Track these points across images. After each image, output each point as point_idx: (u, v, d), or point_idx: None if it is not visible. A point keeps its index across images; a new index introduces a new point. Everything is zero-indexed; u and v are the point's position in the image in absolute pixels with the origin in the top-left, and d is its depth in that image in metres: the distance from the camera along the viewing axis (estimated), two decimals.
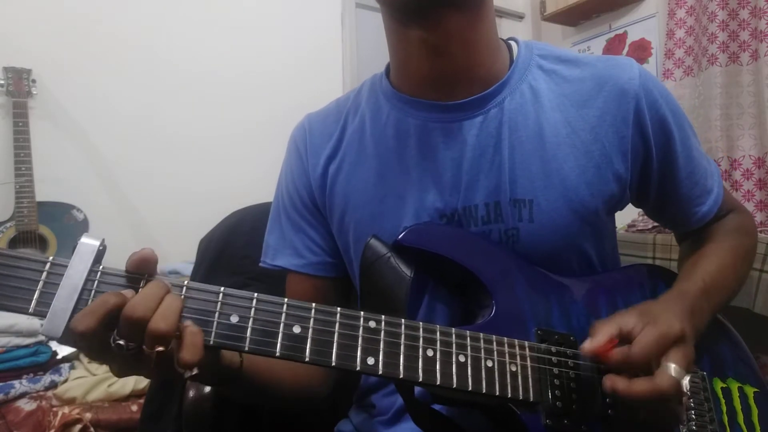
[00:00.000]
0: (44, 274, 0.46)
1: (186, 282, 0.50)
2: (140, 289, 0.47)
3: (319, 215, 0.76)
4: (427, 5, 0.61)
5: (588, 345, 0.56)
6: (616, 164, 0.67)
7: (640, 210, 0.80)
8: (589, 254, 0.71)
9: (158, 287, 0.47)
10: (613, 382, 0.54)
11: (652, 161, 0.70)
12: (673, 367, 0.53)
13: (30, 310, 0.45)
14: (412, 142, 0.69)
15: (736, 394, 0.69)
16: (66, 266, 0.47)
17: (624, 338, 0.56)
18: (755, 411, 0.68)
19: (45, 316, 0.45)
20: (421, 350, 0.53)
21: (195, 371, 0.46)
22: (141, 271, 0.49)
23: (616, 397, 0.54)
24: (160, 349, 0.46)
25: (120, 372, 0.49)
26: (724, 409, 0.66)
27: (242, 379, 0.60)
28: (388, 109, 0.72)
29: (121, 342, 0.45)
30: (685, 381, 0.53)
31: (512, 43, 0.74)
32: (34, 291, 0.46)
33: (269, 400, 0.73)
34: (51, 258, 0.47)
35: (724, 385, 0.68)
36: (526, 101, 0.68)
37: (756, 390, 0.70)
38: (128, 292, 0.47)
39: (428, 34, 0.63)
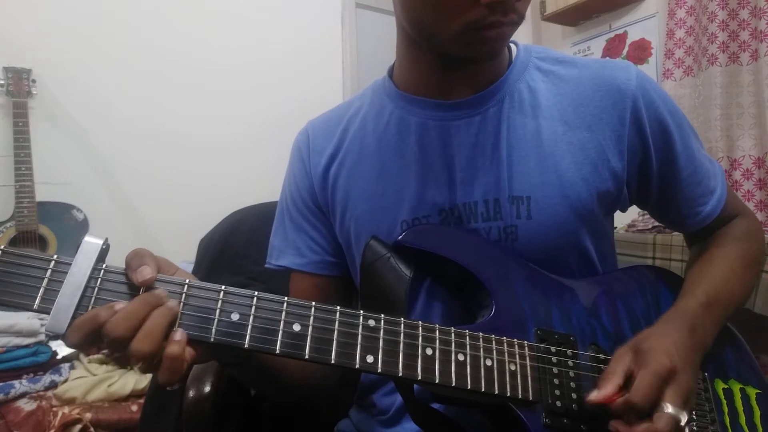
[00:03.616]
0: (49, 271, 0.47)
1: (187, 281, 0.50)
2: (127, 304, 0.47)
3: (321, 215, 0.77)
4: (484, 61, 0.65)
5: (594, 396, 0.56)
6: (613, 162, 0.68)
7: (640, 210, 0.80)
8: (587, 253, 0.71)
9: (144, 303, 0.47)
10: (617, 427, 0.55)
11: (651, 161, 0.70)
12: (669, 408, 0.54)
13: (34, 307, 0.46)
14: (412, 140, 0.70)
15: (738, 396, 0.68)
16: (70, 264, 0.47)
17: (626, 380, 0.56)
18: (757, 412, 0.68)
19: (49, 313, 0.46)
20: (420, 349, 0.54)
21: (176, 386, 0.47)
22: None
23: None
24: (142, 365, 0.47)
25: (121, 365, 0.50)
26: (726, 410, 0.66)
27: (253, 362, 0.60)
28: (391, 108, 0.73)
29: (107, 351, 0.47)
30: (683, 419, 0.54)
31: (511, 44, 0.74)
32: (39, 288, 0.46)
33: (277, 387, 0.73)
34: (55, 256, 0.48)
35: (726, 386, 0.68)
36: (524, 100, 0.69)
37: (758, 391, 0.70)
38: (119, 306, 0.47)
39: (452, 60, 0.66)
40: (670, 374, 0.56)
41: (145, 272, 0.48)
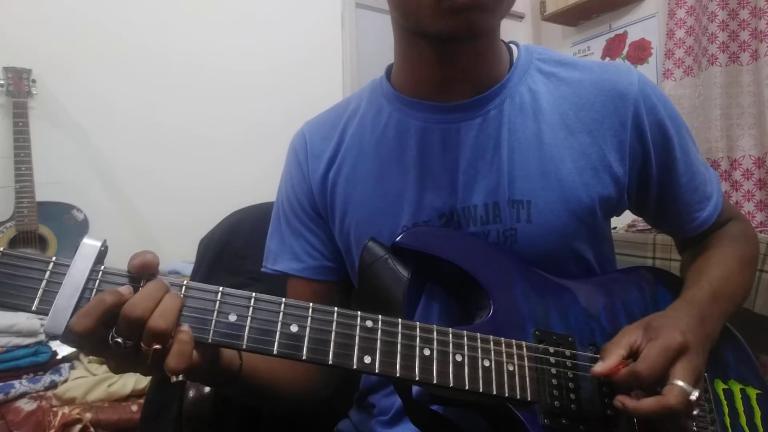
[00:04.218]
0: (47, 273, 0.47)
1: (185, 282, 0.51)
2: (140, 289, 0.48)
3: (320, 220, 0.77)
4: (467, 38, 0.61)
5: (599, 367, 0.55)
6: (614, 167, 0.67)
7: None
8: (586, 256, 0.71)
9: (157, 287, 0.49)
10: (623, 401, 0.54)
11: (651, 166, 0.70)
12: (680, 383, 0.53)
13: (33, 308, 0.46)
14: (412, 143, 0.70)
15: (738, 396, 0.68)
16: (68, 266, 0.48)
17: (631, 355, 0.56)
18: (758, 412, 0.68)
19: (47, 314, 0.46)
20: (417, 349, 0.54)
21: (181, 377, 0.47)
22: (142, 274, 0.50)
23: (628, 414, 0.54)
24: (157, 347, 0.47)
25: (117, 368, 0.50)
26: (726, 410, 0.66)
27: (242, 380, 0.60)
28: (390, 111, 0.72)
29: (119, 339, 0.47)
30: (694, 395, 0.53)
31: (513, 46, 0.74)
32: (37, 290, 0.47)
33: (269, 402, 0.73)
34: (54, 258, 0.48)
35: (726, 387, 0.68)
36: (525, 103, 0.68)
37: (759, 392, 0.70)
38: (125, 290, 0.48)
39: (445, 49, 0.64)
40: (681, 349, 0.55)
41: (148, 255, 0.50)
